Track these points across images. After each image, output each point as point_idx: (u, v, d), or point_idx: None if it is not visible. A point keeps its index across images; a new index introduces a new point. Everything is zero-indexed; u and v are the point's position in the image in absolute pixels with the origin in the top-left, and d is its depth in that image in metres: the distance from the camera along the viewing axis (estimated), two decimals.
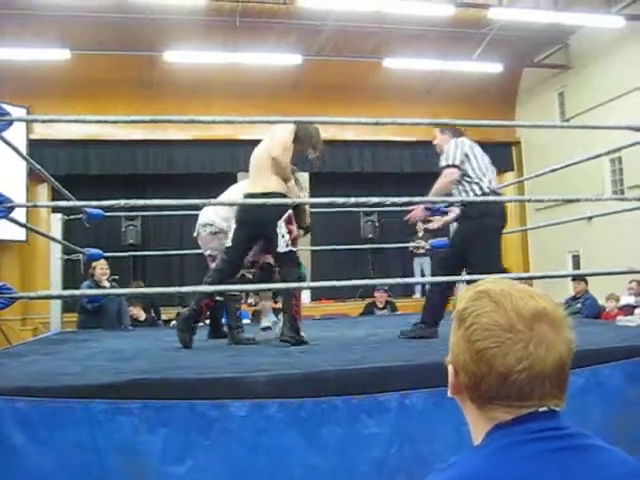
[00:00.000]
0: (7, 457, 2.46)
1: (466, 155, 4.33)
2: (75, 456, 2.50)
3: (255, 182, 4.32)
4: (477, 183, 4.31)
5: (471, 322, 1.03)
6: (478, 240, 4.21)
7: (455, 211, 4.64)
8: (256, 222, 4.20)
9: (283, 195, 4.24)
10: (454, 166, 4.29)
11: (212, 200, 4.32)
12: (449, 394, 1.10)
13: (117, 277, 7.39)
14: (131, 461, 2.52)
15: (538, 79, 13.27)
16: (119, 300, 7.08)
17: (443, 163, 4.34)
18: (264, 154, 4.29)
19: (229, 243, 4.36)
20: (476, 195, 4.30)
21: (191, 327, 4.22)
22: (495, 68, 12.16)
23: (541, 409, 1.00)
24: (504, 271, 4.18)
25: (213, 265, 4.75)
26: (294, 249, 4.25)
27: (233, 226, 4.38)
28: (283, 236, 4.19)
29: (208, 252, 4.91)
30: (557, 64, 12.67)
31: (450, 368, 1.08)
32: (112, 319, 6.87)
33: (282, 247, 4.19)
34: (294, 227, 4.27)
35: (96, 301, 6.56)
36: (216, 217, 4.81)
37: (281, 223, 4.17)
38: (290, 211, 4.23)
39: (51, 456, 2.49)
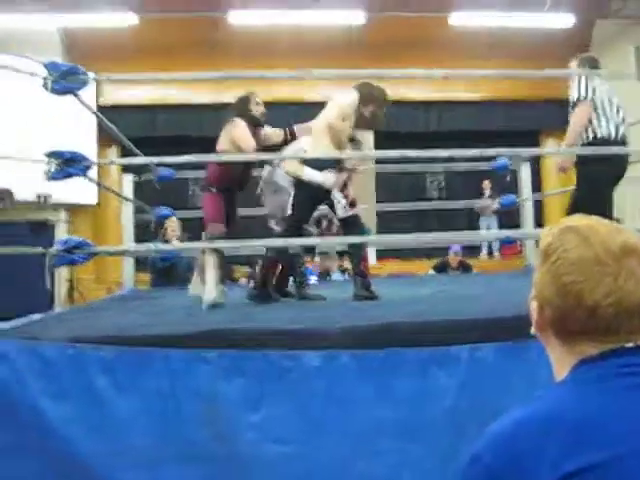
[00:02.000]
0: (92, 402, 2.58)
1: (594, 90, 4.07)
2: (155, 402, 2.61)
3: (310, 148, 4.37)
4: (593, 129, 4.09)
5: (557, 257, 1.02)
6: (587, 187, 4.08)
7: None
8: (310, 188, 4.26)
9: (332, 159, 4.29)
10: (585, 99, 4.04)
11: (280, 154, 4.38)
12: (532, 331, 1.10)
13: (191, 235, 7.53)
14: (208, 408, 2.61)
15: (613, 32, 12.71)
16: (189, 259, 7.21)
17: (575, 94, 4.09)
18: (321, 120, 4.31)
19: (290, 208, 4.43)
20: (588, 142, 4.09)
21: (266, 298, 4.32)
22: (566, 21, 11.71)
23: (628, 344, 1.00)
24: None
25: (275, 226, 4.84)
26: (352, 213, 4.30)
27: (292, 190, 4.47)
28: (339, 202, 4.28)
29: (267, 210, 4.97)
30: (634, 15, 12.10)
31: (534, 304, 1.08)
32: (183, 277, 7.01)
33: (341, 212, 4.29)
34: (350, 191, 4.32)
35: (167, 259, 6.69)
36: (278, 177, 4.84)
37: (334, 190, 4.25)
38: (343, 176, 4.29)
39: (132, 402, 2.60)
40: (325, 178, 4.18)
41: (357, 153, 3.95)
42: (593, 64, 4.35)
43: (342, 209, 4.28)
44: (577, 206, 4.00)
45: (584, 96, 4.05)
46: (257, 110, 4.52)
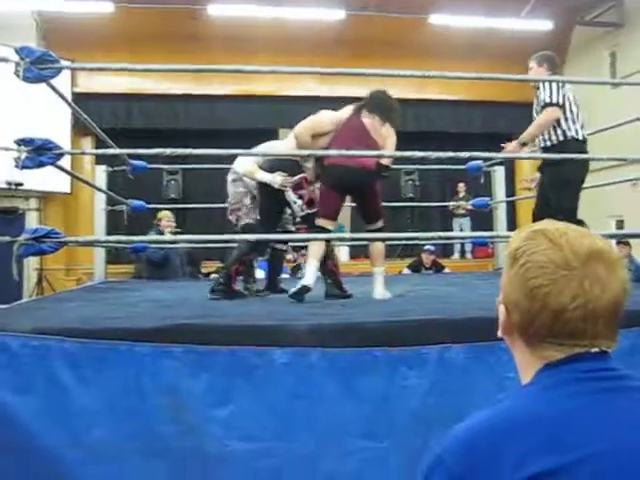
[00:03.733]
0: (56, 395, 2.54)
1: (564, 97, 4.15)
2: (120, 397, 2.57)
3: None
4: (563, 130, 4.18)
5: (525, 260, 1.02)
6: (562, 187, 4.13)
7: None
8: (267, 187, 4.33)
9: (291, 161, 4.33)
10: (557, 105, 4.11)
11: (253, 150, 4.36)
12: (499, 334, 1.10)
13: (180, 230, 7.50)
14: (174, 404, 2.58)
15: (589, 38, 12.86)
16: (180, 251, 7.18)
17: (546, 99, 4.14)
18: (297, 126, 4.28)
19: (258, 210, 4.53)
20: (559, 141, 4.17)
21: (230, 293, 4.30)
22: (544, 26, 11.82)
23: (593, 349, 1.00)
24: (580, 224, 4.09)
25: (232, 217, 4.87)
26: (311, 211, 4.33)
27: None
28: (295, 202, 4.35)
29: (228, 200, 4.96)
30: (609, 22, 12.25)
31: (501, 308, 1.08)
32: (176, 270, 7.00)
33: (299, 212, 4.39)
34: (305, 190, 4.36)
35: (161, 252, 6.65)
36: (239, 165, 4.78)
37: (287, 191, 4.31)
38: (297, 177, 4.32)
39: (97, 396, 2.56)
40: (273, 178, 4.27)
41: (333, 152, 3.93)
42: (553, 62, 4.43)
43: (298, 208, 4.37)
44: (553, 207, 4.06)
45: (556, 102, 4.12)
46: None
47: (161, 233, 6.73)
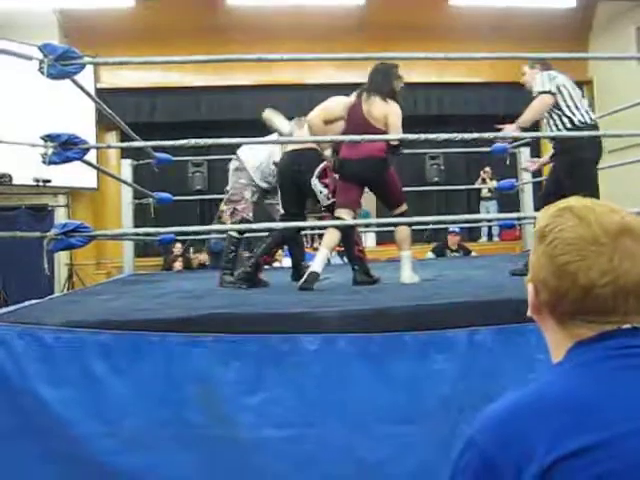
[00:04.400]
0: (91, 386, 2.58)
1: (558, 87, 4.20)
2: (152, 386, 2.61)
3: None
4: (569, 117, 4.20)
5: (553, 237, 1.01)
6: (575, 174, 4.12)
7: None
8: (291, 177, 4.37)
9: (314, 150, 4.30)
10: (549, 92, 4.16)
11: (266, 138, 4.38)
12: (528, 313, 1.09)
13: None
14: (205, 392, 2.61)
15: (614, 13, 12.61)
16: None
17: (539, 89, 4.20)
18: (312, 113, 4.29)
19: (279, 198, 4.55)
20: (567, 129, 4.19)
21: (255, 282, 4.33)
22: (567, 3, 11.63)
23: (624, 326, 0.99)
24: None
25: (226, 207, 4.88)
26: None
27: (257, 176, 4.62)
28: (321, 192, 4.34)
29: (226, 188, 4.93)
30: None
31: (530, 287, 1.07)
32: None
33: (324, 201, 4.36)
34: (329, 180, 4.35)
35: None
36: (244, 154, 4.75)
37: (314, 180, 4.31)
38: (322, 165, 4.31)
39: (130, 386, 2.60)
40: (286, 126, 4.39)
41: (360, 137, 3.91)
42: (546, 63, 4.46)
43: (324, 198, 4.34)
44: (567, 194, 4.04)
45: (547, 90, 4.18)
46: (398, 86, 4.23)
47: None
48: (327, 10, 11.05)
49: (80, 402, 2.56)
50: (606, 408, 0.91)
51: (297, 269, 4.96)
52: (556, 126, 4.23)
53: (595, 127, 4.35)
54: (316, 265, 3.97)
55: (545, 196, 4.45)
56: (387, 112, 4.03)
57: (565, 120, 4.20)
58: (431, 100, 12.71)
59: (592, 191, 4.10)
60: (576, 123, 4.19)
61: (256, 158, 4.66)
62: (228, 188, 4.85)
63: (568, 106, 4.20)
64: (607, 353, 0.97)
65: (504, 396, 1.01)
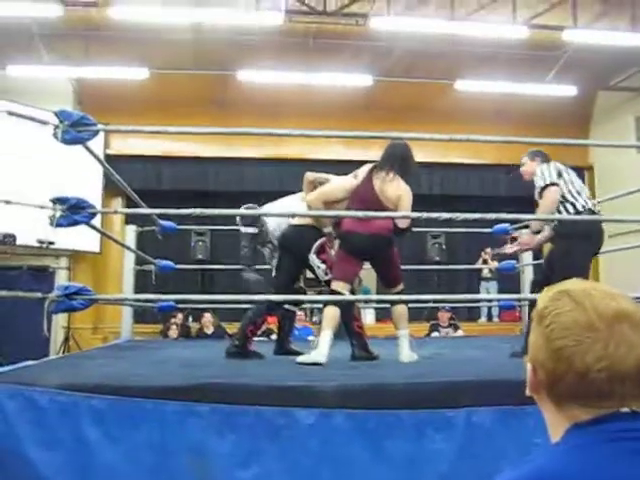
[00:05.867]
0: (82, 451, 2.54)
1: (559, 174, 4.24)
2: (145, 455, 2.57)
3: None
4: (572, 203, 4.22)
5: (550, 321, 1.02)
6: (566, 261, 4.11)
7: (546, 231, 4.54)
8: (290, 250, 4.43)
9: (313, 227, 4.36)
10: (554, 184, 4.18)
11: (283, 212, 4.43)
12: (527, 392, 1.10)
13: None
14: (199, 463, 2.57)
15: (614, 103, 12.94)
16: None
17: (542, 183, 4.22)
18: (314, 193, 4.35)
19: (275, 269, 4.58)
20: (569, 213, 4.22)
21: (246, 354, 4.30)
22: (569, 91, 11.94)
23: (622, 409, 0.99)
24: None
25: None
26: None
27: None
28: (318, 267, 4.35)
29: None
30: (635, 87, 12.35)
31: (529, 366, 1.08)
32: None
33: (322, 276, 4.35)
34: (327, 255, 4.39)
35: None
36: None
37: (312, 256, 4.33)
38: (320, 241, 4.36)
39: (123, 453, 2.56)
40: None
41: (361, 213, 3.95)
42: (545, 156, 4.52)
43: (322, 272, 4.35)
44: (556, 276, 4.06)
45: (552, 182, 4.20)
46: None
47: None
48: (335, 89, 11.34)
49: (71, 467, 2.51)
50: None
51: (280, 344, 4.80)
52: (559, 212, 4.25)
53: (597, 215, 4.38)
54: (321, 353, 3.74)
55: (534, 281, 4.49)
56: (401, 195, 4.03)
57: (568, 206, 4.22)
58: (434, 180, 12.90)
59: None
60: (578, 208, 4.21)
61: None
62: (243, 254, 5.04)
63: (569, 191, 4.24)
64: (605, 437, 0.97)
65: (500, 475, 1.00)
